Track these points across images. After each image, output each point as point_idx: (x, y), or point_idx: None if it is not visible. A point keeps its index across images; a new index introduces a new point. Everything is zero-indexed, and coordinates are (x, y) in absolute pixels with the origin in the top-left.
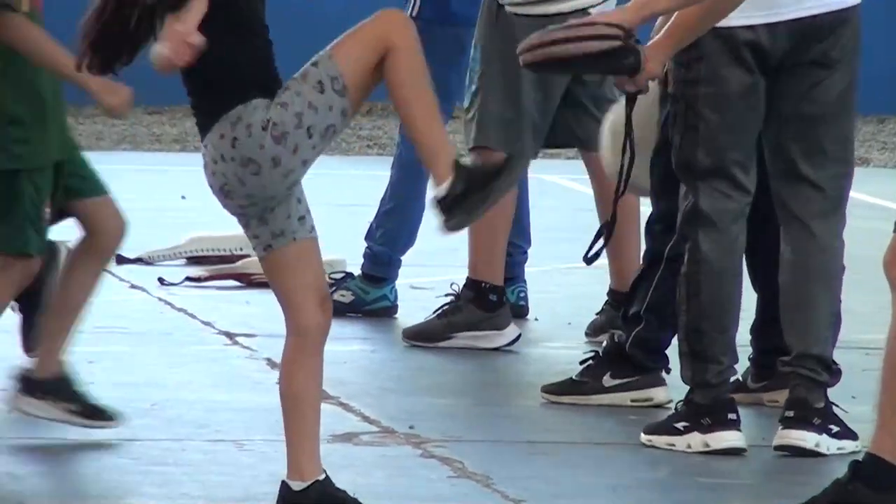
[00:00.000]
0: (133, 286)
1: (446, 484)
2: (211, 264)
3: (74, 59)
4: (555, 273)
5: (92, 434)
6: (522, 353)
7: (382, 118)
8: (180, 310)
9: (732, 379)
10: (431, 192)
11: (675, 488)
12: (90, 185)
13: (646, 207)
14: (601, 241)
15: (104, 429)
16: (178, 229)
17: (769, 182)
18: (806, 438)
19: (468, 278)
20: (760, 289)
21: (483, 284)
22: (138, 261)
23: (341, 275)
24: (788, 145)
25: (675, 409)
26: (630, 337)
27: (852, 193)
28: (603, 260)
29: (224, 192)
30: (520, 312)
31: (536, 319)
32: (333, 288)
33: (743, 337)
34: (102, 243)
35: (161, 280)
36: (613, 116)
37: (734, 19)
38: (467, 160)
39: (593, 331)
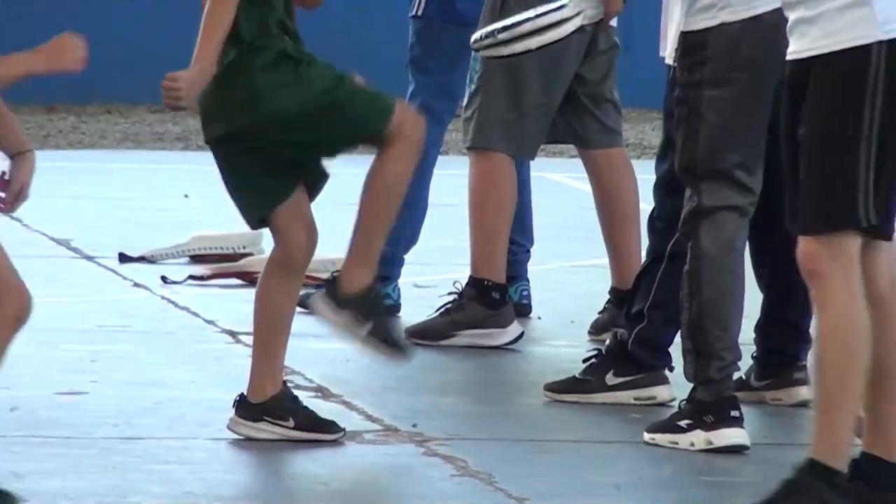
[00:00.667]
0: (136, 285)
1: (449, 482)
2: (214, 263)
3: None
4: (557, 271)
5: (94, 433)
6: (525, 351)
7: None
8: (183, 308)
9: (735, 377)
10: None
11: (679, 486)
12: None
13: (647, 205)
14: None
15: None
16: (181, 228)
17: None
18: None
19: (471, 276)
20: (766, 287)
21: (485, 282)
22: (141, 259)
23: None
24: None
25: (679, 407)
26: (632, 335)
27: None
28: (605, 258)
29: None
30: (522, 311)
31: (539, 318)
32: None
33: (746, 335)
34: None
35: (164, 278)
36: None
37: (741, 13)
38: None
39: (596, 329)
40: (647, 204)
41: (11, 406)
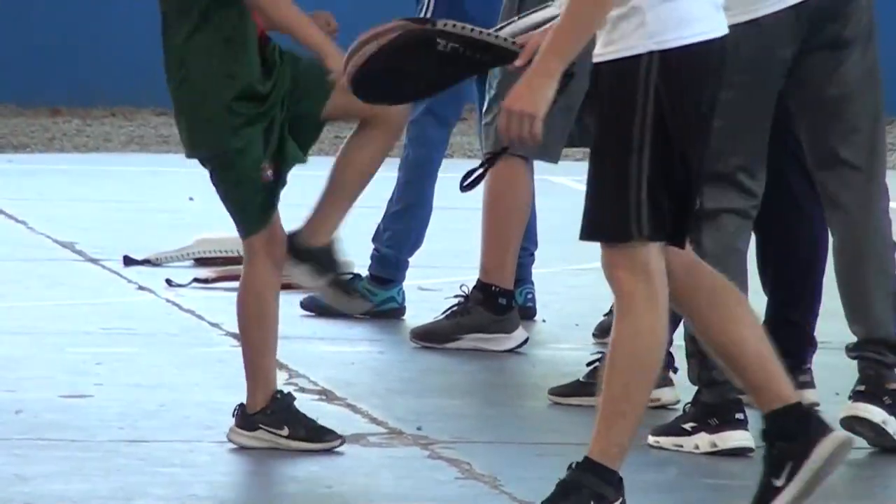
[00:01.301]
0: (141, 287)
1: (454, 485)
2: (218, 265)
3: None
4: (562, 274)
5: (99, 435)
6: (530, 354)
7: None
8: (188, 311)
9: None
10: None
11: (683, 489)
12: None
13: None
14: (480, 171)
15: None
16: (186, 231)
17: (783, 183)
18: (873, 412)
19: (479, 280)
20: (770, 290)
21: (493, 288)
22: (146, 262)
23: (349, 276)
24: (825, 131)
25: (683, 410)
26: None
27: None
28: None
29: None
30: (527, 314)
31: (544, 321)
32: None
33: None
34: None
35: (169, 281)
36: None
37: (738, 16)
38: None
39: (601, 332)
40: None
41: (16, 409)
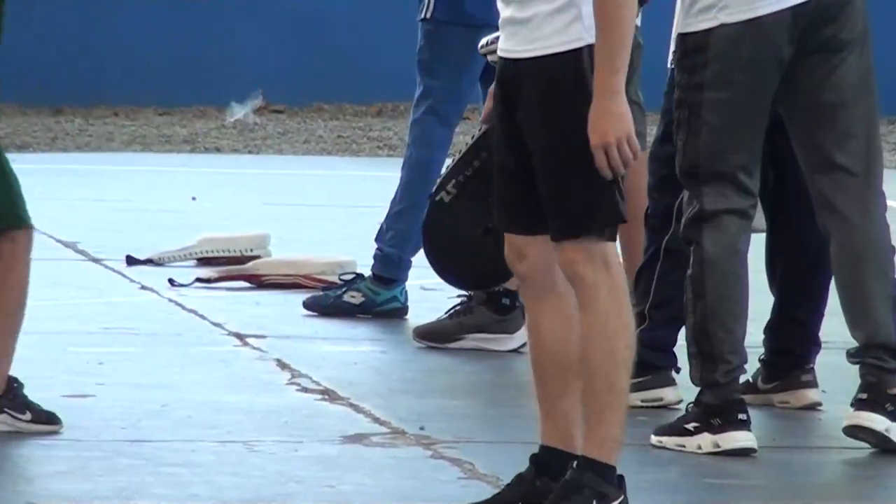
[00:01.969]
0: (143, 287)
1: (457, 485)
2: (221, 265)
3: None
4: None
5: (101, 435)
6: None
7: (392, 119)
8: (190, 311)
9: (742, 380)
10: None
11: (685, 489)
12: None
13: None
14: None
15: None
16: (189, 230)
17: (791, 180)
18: (875, 421)
19: None
20: (777, 288)
21: (496, 288)
22: (148, 262)
23: (351, 276)
24: (819, 136)
25: (686, 410)
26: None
27: None
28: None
29: None
30: None
31: None
32: (344, 289)
33: (754, 338)
34: None
35: (171, 281)
36: None
37: (738, 14)
38: None
39: None
40: None
41: None
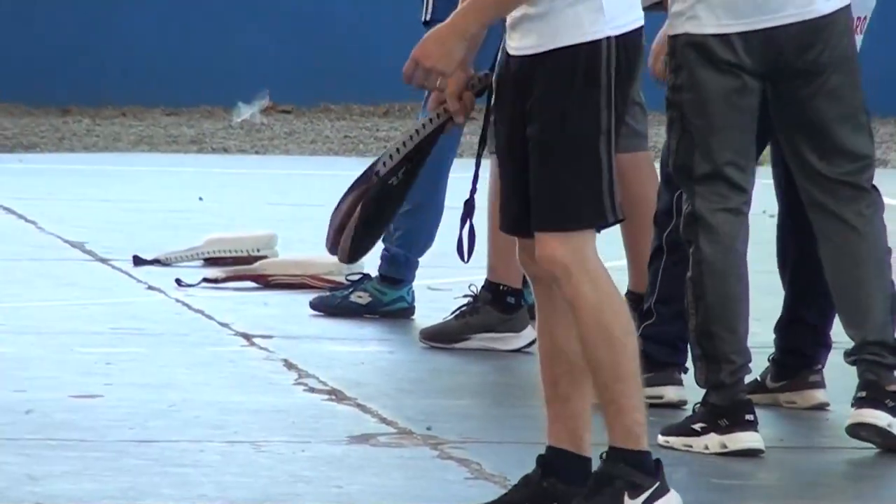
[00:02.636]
0: (150, 287)
1: (463, 485)
2: (228, 265)
3: None
4: None
5: (109, 435)
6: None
7: (400, 119)
8: (197, 311)
9: (750, 379)
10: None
11: (693, 489)
12: None
13: None
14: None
15: None
16: (196, 230)
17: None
18: (878, 417)
19: (486, 280)
20: (788, 287)
21: (501, 287)
22: (155, 262)
23: (359, 276)
24: (805, 151)
25: (693, 410)
26: (640, 332)
27: None
28: (618, 261)
29: None
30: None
31: None
32: (350, 290)
33: (764, 338)
34: None
35: (178, 281)
36: None
37: (707, 27)
38: None
39: None
40: None
41: (26, 409)
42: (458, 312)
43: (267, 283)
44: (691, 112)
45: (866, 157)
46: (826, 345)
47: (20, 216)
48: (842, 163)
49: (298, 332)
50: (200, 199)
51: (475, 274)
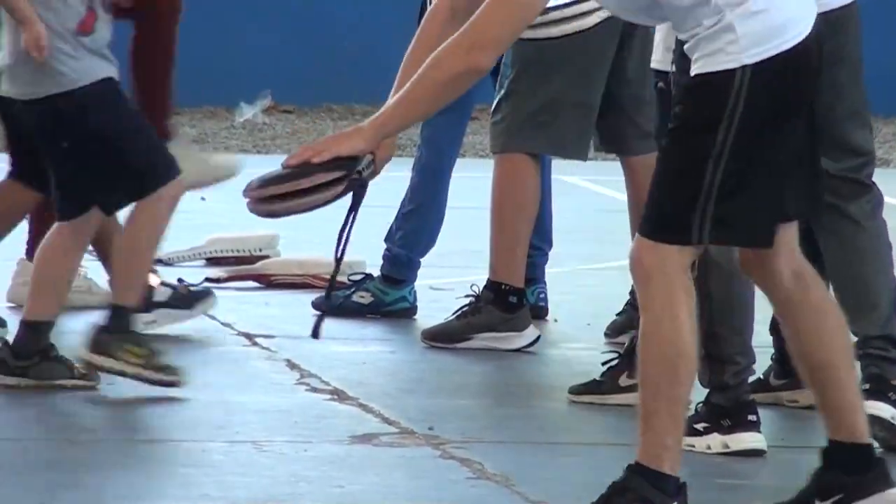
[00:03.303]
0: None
1: (466, 485)
2: (230, 265)
3: None
4: (574, 274)
5: (112, 434)
6: (542, 354)
7: None
8: None
9: (753, 378)
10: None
11: (695, 489)
12: None
13: None
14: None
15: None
16: (198, 230)
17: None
18: (882, 409)
19: (488, 280)
20: None
21: (503, 286)
22: (158, 262)
23: (360, 276)
24: None
25: (696, 410)
26: None
27: None
28: (621, 260)
29: None
30: (539, 313)
31: (556, 321)
32: (352, 289)
33: (767, 338)
34: None
35: (180, 281)
36: None
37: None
38: None
39: (613, 331)
40: None
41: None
42: (460, 312)
43: (269, 282)
44: None
45: (868, 153)
46: None
47: None
48: (845, 159)
49: (301, 332)
50: (203, 199)
51: (477, 274)
